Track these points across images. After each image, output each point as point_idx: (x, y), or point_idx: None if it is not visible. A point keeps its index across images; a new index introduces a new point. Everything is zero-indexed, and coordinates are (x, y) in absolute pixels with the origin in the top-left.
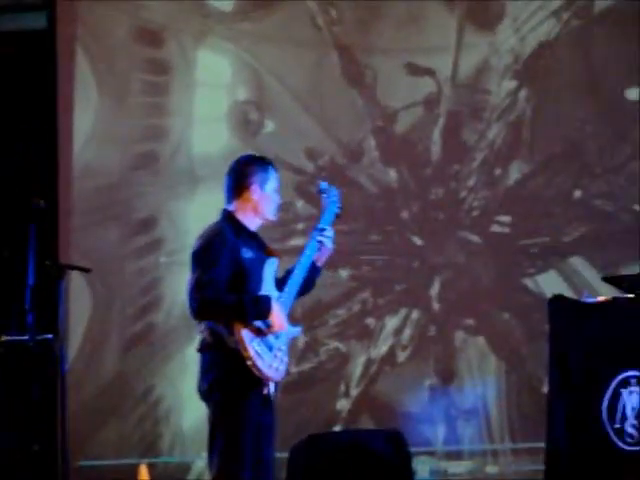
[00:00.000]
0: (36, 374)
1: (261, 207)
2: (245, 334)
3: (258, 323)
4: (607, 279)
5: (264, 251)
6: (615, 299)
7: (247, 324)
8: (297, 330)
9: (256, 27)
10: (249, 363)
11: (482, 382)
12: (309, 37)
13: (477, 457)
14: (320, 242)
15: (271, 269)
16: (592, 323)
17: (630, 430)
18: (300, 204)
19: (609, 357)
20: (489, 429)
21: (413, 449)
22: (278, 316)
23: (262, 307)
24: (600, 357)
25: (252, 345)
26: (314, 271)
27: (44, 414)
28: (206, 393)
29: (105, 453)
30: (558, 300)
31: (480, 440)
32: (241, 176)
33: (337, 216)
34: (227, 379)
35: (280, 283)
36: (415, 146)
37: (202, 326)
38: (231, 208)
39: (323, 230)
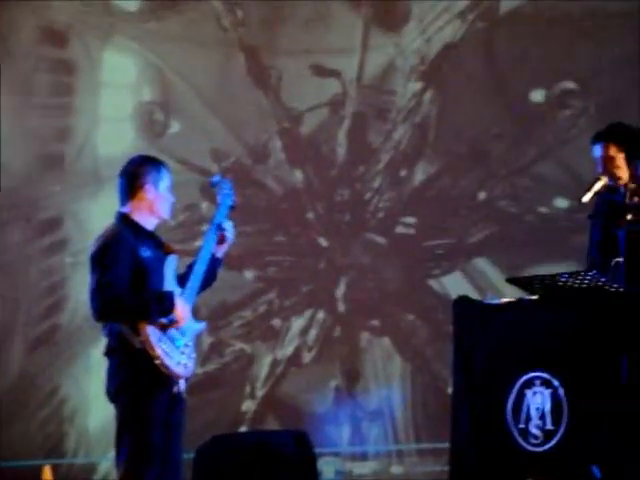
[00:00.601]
0: None
1: (156, 206)
2: (151, 333)
3: (162, 319)
4: (511, 280)
5: (163, 249)
6: (519, 300)
7: (151, 322)
8: (202, 325)
9: (161, 27)
10: (157, 362)
11: (387, 383)
12: (214, 37)
13: (382, 458)
14: (219, 235)
15: (171, 266)
16: (496, 324)
17: (534, 431)
18: (205, 205)
19: (513, 358)
20: (394, 430)
21: (318, 450)
22: (182, 311)
23: (165, 303)
24: (504, 358)
25: (159, 344)
26: (215, 263)
27: None
28: (113, 395)
29: (9, 454)
30: (463, 301)
31: (385, 441)
32: (134, 177)
33: (232, 208)
34: (134, 380)
35: (182, 279)
36: (320, 147)
37: (106, 329)
38: (126, 210)
39: (221, 223)
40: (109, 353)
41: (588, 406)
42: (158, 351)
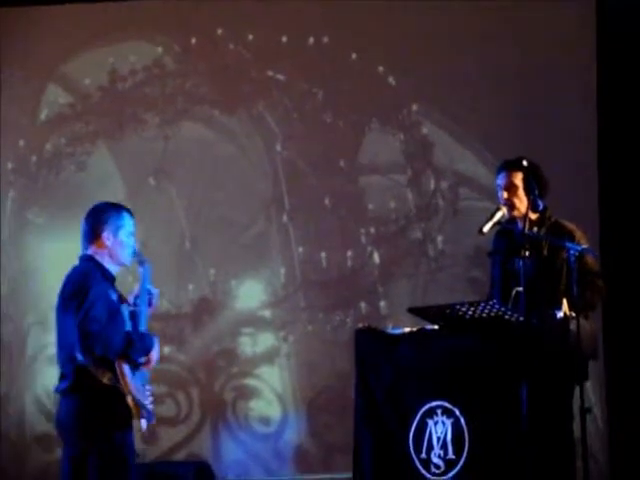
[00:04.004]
0: None
1: (115, 253)
2: (126, 369)
3: (140, 359)
4: (412, 310)
5: (118, 296)
6: (420, 330)
7: (130, 359)
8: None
9: None
10: (129, 398)
11: (294, 413)
12: None
13: None
14: (149, 299)
15: (126, 314)
16: (398, 354)
17: (436, 460)
18: None
19: (415, 387)
20: (300, 460)
21: None
22: (156, 353)
23: (146, 342)
24: (406, 388)
25: (132, 381)
26: None
27: None
28: (83, 434)
29: None
30: (365, 331)
31: (291, 471)
32: (95, 223)
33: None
34: (110, 418)
35: None
36: None
37: (70, 366)
38: (89, 252)
39: (149, 288)
40: (71, 391)
41: (489, 435)
42: (131, 387)
